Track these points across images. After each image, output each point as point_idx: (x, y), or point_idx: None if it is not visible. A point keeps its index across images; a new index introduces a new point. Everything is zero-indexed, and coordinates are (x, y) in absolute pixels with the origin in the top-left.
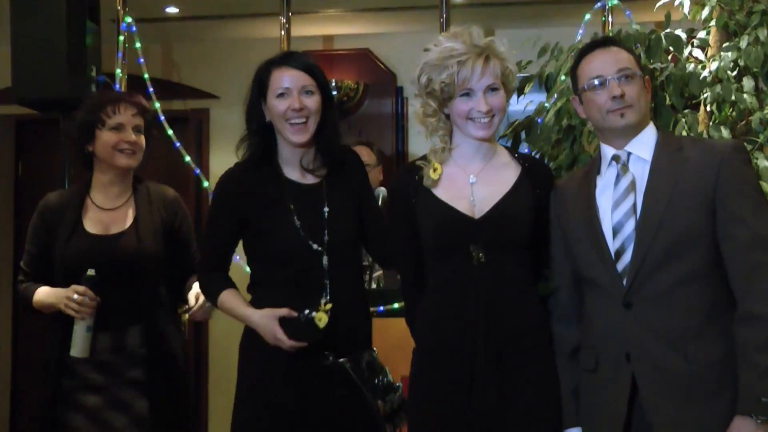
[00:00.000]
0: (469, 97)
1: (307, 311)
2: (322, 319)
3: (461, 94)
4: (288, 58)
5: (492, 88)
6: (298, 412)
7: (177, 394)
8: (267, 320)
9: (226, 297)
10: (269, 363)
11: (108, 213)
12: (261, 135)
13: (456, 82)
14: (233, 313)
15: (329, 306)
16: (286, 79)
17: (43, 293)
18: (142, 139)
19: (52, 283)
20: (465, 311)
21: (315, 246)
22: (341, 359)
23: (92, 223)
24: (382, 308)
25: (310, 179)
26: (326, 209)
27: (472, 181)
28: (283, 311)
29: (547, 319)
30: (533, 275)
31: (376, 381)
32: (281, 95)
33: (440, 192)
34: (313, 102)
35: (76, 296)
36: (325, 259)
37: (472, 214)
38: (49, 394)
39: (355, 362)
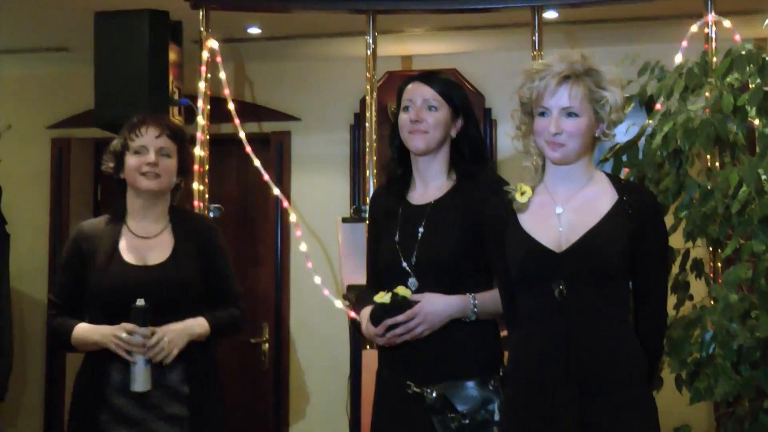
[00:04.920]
0: (544, 116)
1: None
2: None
3: (539, 113)
4: (420, 75)
5: (569, 113)
6: None
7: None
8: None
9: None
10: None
11: (145, 241)
12: (398, 152)
13: (533, 97)
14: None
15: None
16: (412, 93)
17: (86, 330)
18: (168, 162)
19: (82, 316)
20: (547, 345)
21: (404, 265)
22: (416, 389)
23: (129, 252)
24: None
25: (427, 197)
26: (421, 230)
27: (559, 212)
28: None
29: (641, 355)
30: (625, 308)
31: (450, 415)
32: (405, 108)
33: (527, 222)
34: (432, 117)
35: (124, 335)
36: (411, 281)
37: (557, 246)
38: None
39: (437, 394)
